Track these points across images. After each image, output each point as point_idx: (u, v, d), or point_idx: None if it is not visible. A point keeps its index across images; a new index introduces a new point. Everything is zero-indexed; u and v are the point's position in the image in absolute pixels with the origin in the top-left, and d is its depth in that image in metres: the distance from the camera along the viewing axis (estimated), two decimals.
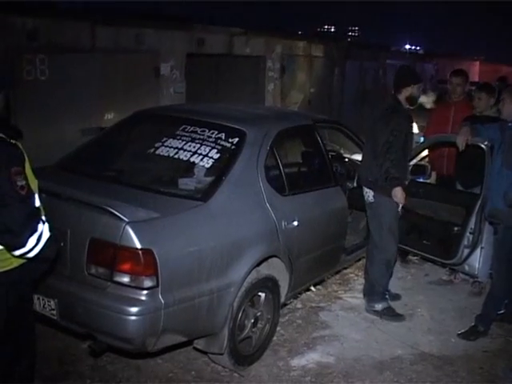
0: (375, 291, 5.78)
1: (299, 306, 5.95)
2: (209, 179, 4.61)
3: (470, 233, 5.83)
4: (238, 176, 4.65)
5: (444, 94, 7.63)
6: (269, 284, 4.83)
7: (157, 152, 4.92)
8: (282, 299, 5.12)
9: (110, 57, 9.16)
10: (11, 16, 7.81)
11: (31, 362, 3.83)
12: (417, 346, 5.29)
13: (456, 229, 6.04)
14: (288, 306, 5.82)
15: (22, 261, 3.38)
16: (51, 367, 4.62)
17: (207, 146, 4.84)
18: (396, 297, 6.16)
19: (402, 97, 5.59)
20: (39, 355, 4.69)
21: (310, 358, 4.99)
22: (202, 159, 4.73)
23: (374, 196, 5.58)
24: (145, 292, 3.83)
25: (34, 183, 3.44)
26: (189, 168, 4.75)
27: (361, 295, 6.11)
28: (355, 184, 6.70)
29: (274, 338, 5.14)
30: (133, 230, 3.79)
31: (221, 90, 13.06)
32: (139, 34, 9.67)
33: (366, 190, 5.67)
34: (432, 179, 7.14)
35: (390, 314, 5.73)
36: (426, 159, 7.07)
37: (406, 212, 6.29)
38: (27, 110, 7.97)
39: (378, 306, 5.76)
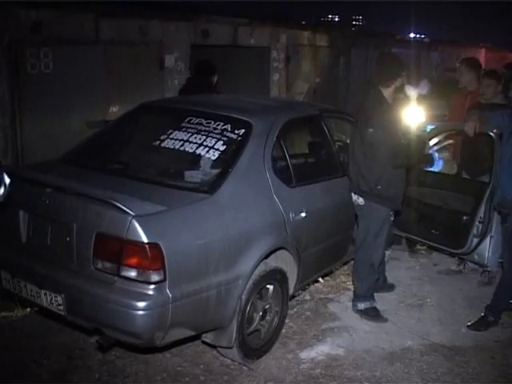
0: (357, 291, 5.64)
1: (308, 297, 5.92)
2: (215, 171, 4.58)
3: (480, 222, 5.79)
4: (245, 168, 4.61)
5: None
6: (277, 276, 4.80)
7: (162, 144, 4.88)
8: (291, 291, 5.10)
9: (114, 49, 9.11)
10: (15, 8, 7.76)
11: None
12: (427, 336, 5.25)
13: (465, 218, 6.00)
14: (296, 298, 5.79)
15: None
16: (59, 362, 4.61)
17: (213, 137, 4.80)
18: (391, 287, 6.11)
19: (388, 91, 5.30)
20: (47, 350, 4.72)
21: (319, 350, 4.96)
22: (208, 151, 4.69)
23: (364, 200, 5.37)
24: (152, 286, 3.80)
25: None
26: (195, 160, 4.71)
27: None
28: None
29: (283, 330, 5.11)
30: (139, 223, 3.76)
31: (226, 80, 13.00)
32: (143, 25, 9.62)
33: (355, 196, 5.47)
34: (452, 169, 6.99)
35: (371, 315, 5.54)
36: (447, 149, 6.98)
37: (415, 201, 6.24)
38: (32, 103, 7.95)
39: (361, 306, 5.57)
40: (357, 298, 5.62)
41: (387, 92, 5.32)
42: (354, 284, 5.78)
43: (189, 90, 8.02)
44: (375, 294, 5.75)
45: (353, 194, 5.47)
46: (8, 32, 7.68)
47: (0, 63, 7.62)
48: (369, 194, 5.31)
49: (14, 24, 7.79)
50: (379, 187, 5.24)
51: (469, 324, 5.42)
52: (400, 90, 5.40)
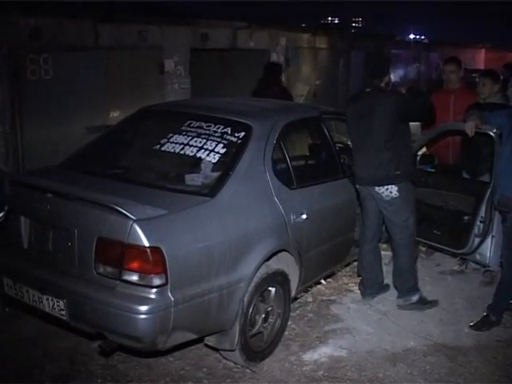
0: (409, 285, 5.72)
1: (310, 299, 5.92)
2: (215, 174, 4.58)
3: (481, 222, 5.79)
4: (245, 170, 4.62)
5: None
6: (279, 278, 4.80)
7: (163, 148, 4.89)
8: (293, 293, 5.10)
9: (113, 54, 9.13)
10: (14, 16, 7.79)
11: None
12: (429, 337, 5.25)
13: (466, 218, 6.00)
14: (299, 300, 5.79)
15: None
16: (62, 367, 4.62)
17: (213, 140, 4.80)
18: (385, 287, 6.12)
19: (383, 83, 5.55)
20: (50, 355, 4.72)
21: (322, 352, 4.96)
22: (208, 154, 4.69)
23: (397, 190, 5.43)
24: (154, 290, 3.80)
25: None
26: (195, 163, 4.71)
27: None
28: None
29: (286, 332, 5.11)
30: (140, 227, 3.76)
31: (226, 84, 13.02)
32: (142, 30, 9.64)
33: (385, 187, 5.45)
34: None
35: (425, 302, 5.75)
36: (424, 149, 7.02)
37: (416, 202, 6.24)
38: (32, 110, 7.98)
39: (415, 297, 5.71)
40: (408, 291, 5.72)
41: (383, 84, 5.55)
42: (364, 285, 5.91)
43: (261, 88, 9.21)
44: (378, 297, 5.90)
45: (384, 190, 5.46)
46: (8, 39, 7.71)
47: (0, 70, 7.64)
48: (403, 176, 5.46)
49: (14, 31, 7.81)
50: (409, 164, 5.53)
51: (471, 324, 5.41)
52: (389, 84, 5.61)
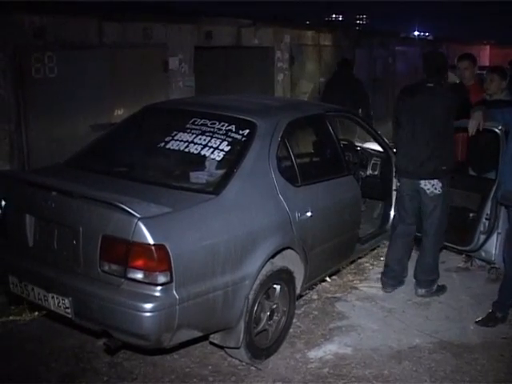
0: (433, 278, 5.98)
1: (315, 297, 5.92)
2: (220, 172, 4.58)
3: (486, 218, 5.80)
4: (250, 168, 4.61)
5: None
6: (284, 276, 4.80)
7: (167, 146, 4.88)
8: (298, 291, 5.10)
9: (117, 52, 9.11)
10: (18, 14, 7.78)
11: None
12: (435, 334, 5.24)
13: (471, 215, 6.00)
14: (304, 298, 5.79)
15: None
16: (68, 365, 4.63)
17: (218, 138, 4.80)
18: (402, 283, 6.17)
19: (443, 80, 5.82)
20: (55, 353, 4.73)
21: (327, 350, 4.96)
22: (212, 152, 4.69)
23: (441, 187, 5.61)
24: (159, 288, 3.80)
25: None
26: (200, 161, 4.71)
27: (377, 284, 6.13)
28: (368, 173, 6.68)
29: (291, 330, 5.11)
30: (145, 225, 3.76)
31: (230, 81, 13.00)
32: (146, 28, 9.61)
33: (431, 182, 5.62)
34: None
35: (440, 289, 6.03)
36: None
37: None
38: (37, 108, 7.96)
39: (435, 287, 5.97)
40: (432, 283, 5.98)
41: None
42: (387, 275, 6.06)
43: (334, 80, 10.67)
44: (383, 294, 5.94)
45: (430, 186, 5.65)
46: (12, 38, 7.70)
47: (5, 68, 7.63)
48: (448, 171, 5.68)
49: (18, 30, 7.80)
50: (452, 160, 5.75)
51: (477, 320, 5.40)
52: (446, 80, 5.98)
